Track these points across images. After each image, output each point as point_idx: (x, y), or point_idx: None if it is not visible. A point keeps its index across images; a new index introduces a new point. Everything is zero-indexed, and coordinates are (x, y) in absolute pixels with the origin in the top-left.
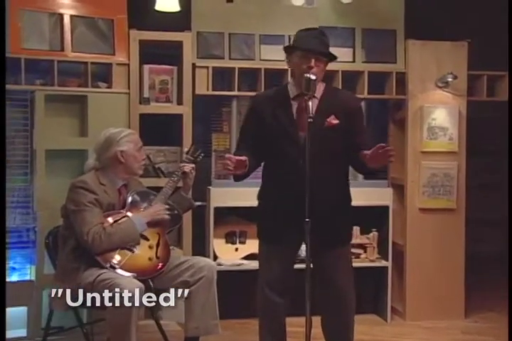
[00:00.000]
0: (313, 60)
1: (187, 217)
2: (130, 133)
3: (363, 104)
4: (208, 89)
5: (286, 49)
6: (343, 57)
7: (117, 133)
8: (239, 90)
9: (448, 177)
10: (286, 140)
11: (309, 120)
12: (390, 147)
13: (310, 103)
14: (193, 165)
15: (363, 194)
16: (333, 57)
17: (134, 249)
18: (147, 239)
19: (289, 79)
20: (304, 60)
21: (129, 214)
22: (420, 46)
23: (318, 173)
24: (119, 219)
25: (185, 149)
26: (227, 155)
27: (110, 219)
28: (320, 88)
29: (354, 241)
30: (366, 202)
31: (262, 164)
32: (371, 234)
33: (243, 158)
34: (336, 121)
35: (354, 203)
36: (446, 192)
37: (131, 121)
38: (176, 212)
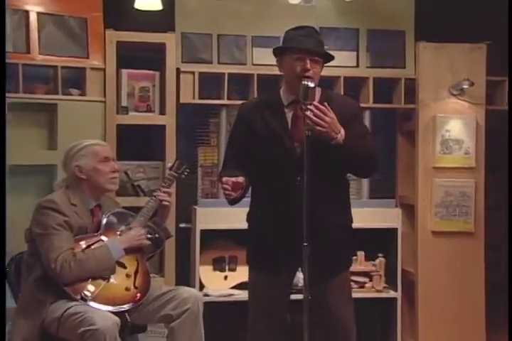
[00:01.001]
0: (308, 62)
1: (170, 241)
2: (90, 145)
3: (367, 114)
4: (193, 97)
5: (276, 51)
6: (346, 62)
7: (74, 147)
8: (229, 98)
9: (464, 197)
10: (280, 153)
11: (307, 133)
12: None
13: (309, 113)
14: (170, 190)
15: (368, 215)
16: (330, 58)
17: (109, 278)
18: (124, 267)
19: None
20: (297, 61)
21: (103, 238)
22: (433, 49)
23: (317, 191)
24: (93, 244)
25: (169, 164)
26: (224, 179)
27: (82, 244)
28: (316, 94)
29: (358, 268)
30: (371, 223)
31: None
32: (377, 261)
33: (240, 179)
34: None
35: (358, 225)
36: (462, 213)
37: (107, 132)
38: (157, 235)
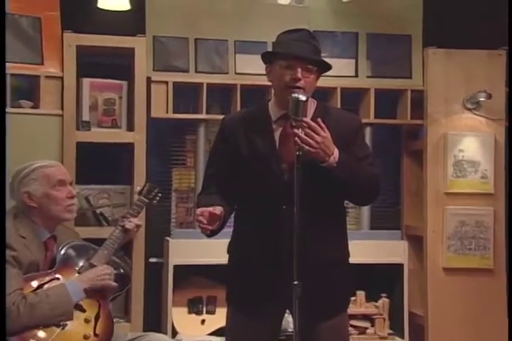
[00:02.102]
0: (299, 70)
1: (138, 278)
2: (41, 167)
3: (368, 130)
4: (167, 111)
5: (265, 57)
6: (343, 71)
7: (22, 169)
8: (208, 113)
9: (482, 227)
10: (266, 176)
11: (298, 153)
12: None
13: (300, 131)
14: (139, 223)
15: (369, 248)
16: (326, 67)
17: (65, 325)
18: (83, 310)
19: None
20: (287, 70)
21: (59, 276)
22: (443, 56)
23: (307, 221)
24: (46, 283)
25: (137, 188)
26: (198, 211)
27: (33, 284)
28: (310, 108)
29: (358, 310)
30: (373, 258)
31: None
32: (380, 302)
33: (217, 209)
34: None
35: (357, 260)
36: (479, 247)
37: (64, 151)
38: (122, 271)
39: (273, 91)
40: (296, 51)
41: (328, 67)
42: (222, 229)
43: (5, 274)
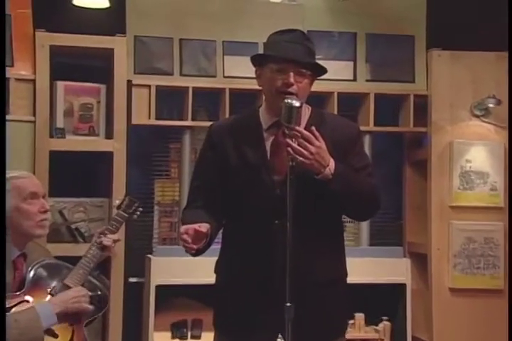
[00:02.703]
0: (291, 74)
1: (117, 300)
2: (11, 178)
3: (367, 139)
4: (149, 118)
5: (255, 59)
6: (340, 74)
7: None
8: (194, 119)
9: (491, 244)
10: (256, 188)
11: (291, 164)
12: None
13: (293, 140)
14: (116, 238)
15: (369, 266)
16: (321, 70)
17: None
18: (55, 336)
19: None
20: (278, 74)
21: (29, 298)
22: (449, 58)
23: (301, 237)
24: (14, 306)
25: (116, 202)
26: (183, 229)
27: None
28: (305, 114)
29: (357, 334)
30: (373, 278)
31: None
32: (381, 325)
33: (203, 227)
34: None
35: (356, 280)
36: (488, 266)
37: (36, 160)
38: (99, 292)
39: (264, 97)
40: (289, 54)
41: (323, 70)
42: (208, 248)
43: (5, 274)
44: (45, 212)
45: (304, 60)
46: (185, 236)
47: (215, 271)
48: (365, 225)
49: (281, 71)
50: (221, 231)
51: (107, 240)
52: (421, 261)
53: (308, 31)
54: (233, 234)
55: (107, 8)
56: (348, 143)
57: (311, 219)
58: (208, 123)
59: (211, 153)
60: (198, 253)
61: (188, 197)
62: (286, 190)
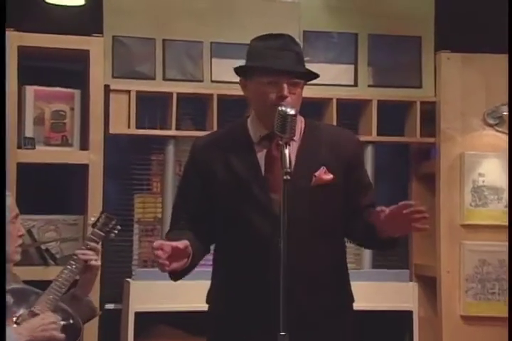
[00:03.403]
0: (285, 87)
1: (91, 328)
2: None
3: (369, 150)
4: (128, 126)
5: (240, 71)
6: (340, 79)
7: None
8: (178, 128)
9: (506, 267)
10: (253, 208)
11: (285, 177)
12: (420, 207)
13: (287, 151)
14: (98, 247)
15: (371, 291)
16: (313, 76)
17: None
18: None
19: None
20: (270, 87)
21: None
22: (460, 61)
23: (303, 259)
24: None
25: (92, 219)
26: (156, 244)
27: None
28: (298, 125)
29: None
30: (377, 304)
31: (213, 247)
32: None
33: (181, 244)
34: (328, 176)
35: (359, 306)
36: (504, 291)
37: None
38: (71, 321)
39: (252, 107)
40: (280, 64)
41: (316, 76)
42: (191, 270)
43: (5, 274)
44: (22, 236)
45: (298, 70)
46: (159, 253)
47: (207, 302)
48: None
49: (274, 84)
50: (212, 257)
51: (85, 254)
52: (429, 286)
53: (304, 31)
54: (226, 258)
55: (82, 6)
56: (352, 155)
57: (314, 237)
58: (194, 133)
59: (196, 173)
60: (177, 276)
61: (171, 220)
62: (282, 206)
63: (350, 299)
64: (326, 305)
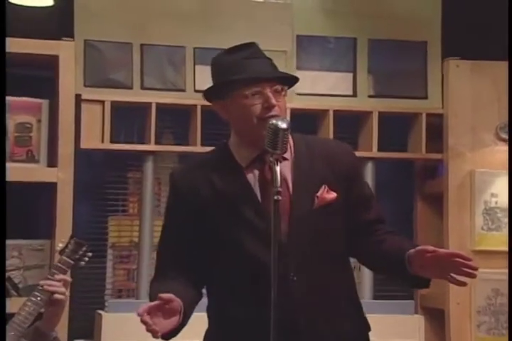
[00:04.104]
0: (271, 95)
1: None
2: None
3: (369, 167)
4: (102, 141)
5: (213, 91)
6: (337, 88)
7: None
8: (158, 142)
9: None
10: (253, 240)
11: (276, 197)
12: (474, 265)
13: (278, 168)
14: (67, 279)
15: (373, 325)
16: (294, 81)
17: None
18: None
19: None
20: (254, 99)
21: None
22: (470, 69)
23: (314, 291)
24: None
25: (60, 245)
26: (139, 311)
27: None
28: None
29: None
30: (378, 339)
31: (206, 287)
32: None
33: (176, 303)
34: (331, 195)
35: None
36: None
37: None
38: None
39: (234, 130)
40: (263, 72)
41: (296, 80)
42: (183, 327)
43: (4, 276)
44: None
45: (280, 75)
46: (145, 318)
47: None
48: (367, 273)
49: (257, 94)
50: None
51: (53, 283)
52: (437, 319)
53: (298, 36)
54: (226, 297)
55: (50, 7)
56: (349, 168)
57: (321, 267)
58: (175, 148)
59: (182, 206)
60: (171, 335)
61: (156, 266)
62: (291, 237)
63: (367, 328)
64: (343, 336)
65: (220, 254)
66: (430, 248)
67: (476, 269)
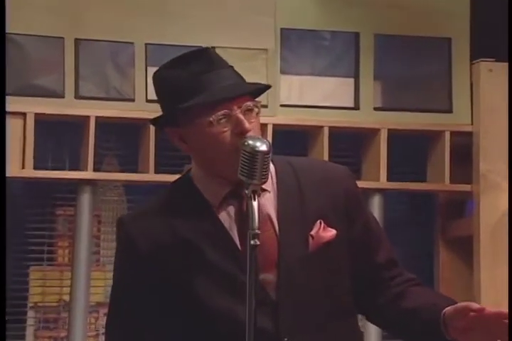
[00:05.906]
0: (242, 118)
1: None
2: None
3: (376, 200)
4: (23, 166)
5: (169, 118)
6: (335, 98)
7: None
8: (97, 169)
9: None
10: (236, 299)
11: (253, 242)
12: None
13: (255, 204)
14: None
15: None
16: (265, 90)
17: None
18: None
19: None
20: (221, 124)
21: None
22: (506, 74)
23: None
24: None
25: None
26: None
27: None
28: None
29: None
30: None
31: None
32: None
33: None
34: (330, 233)
35: None
36: None
37: None
38: None
39: (197, 163)
40: (225, 89)
41: (268, 88)
42: None
43: (5, 276)
44: None
45: (250, 89)
46: None
47: None
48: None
49: (224, 118)
50: None
51: None
52: None
53: (282, 29)
54: None
55: None
56: (351, 198)
57: (323, 326)
58: (120, 176)
59: (136, 263)
60: None
61: (108, 330)
62: (281, 292)
63: None
64: None
65: (190, 324)
66: (475, 305)
67: None
